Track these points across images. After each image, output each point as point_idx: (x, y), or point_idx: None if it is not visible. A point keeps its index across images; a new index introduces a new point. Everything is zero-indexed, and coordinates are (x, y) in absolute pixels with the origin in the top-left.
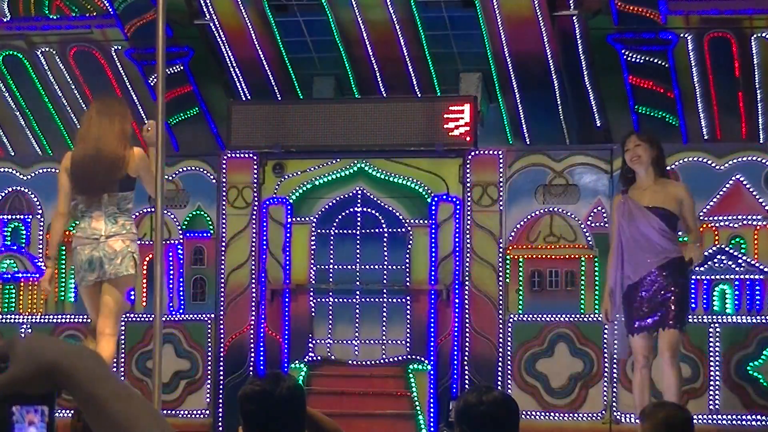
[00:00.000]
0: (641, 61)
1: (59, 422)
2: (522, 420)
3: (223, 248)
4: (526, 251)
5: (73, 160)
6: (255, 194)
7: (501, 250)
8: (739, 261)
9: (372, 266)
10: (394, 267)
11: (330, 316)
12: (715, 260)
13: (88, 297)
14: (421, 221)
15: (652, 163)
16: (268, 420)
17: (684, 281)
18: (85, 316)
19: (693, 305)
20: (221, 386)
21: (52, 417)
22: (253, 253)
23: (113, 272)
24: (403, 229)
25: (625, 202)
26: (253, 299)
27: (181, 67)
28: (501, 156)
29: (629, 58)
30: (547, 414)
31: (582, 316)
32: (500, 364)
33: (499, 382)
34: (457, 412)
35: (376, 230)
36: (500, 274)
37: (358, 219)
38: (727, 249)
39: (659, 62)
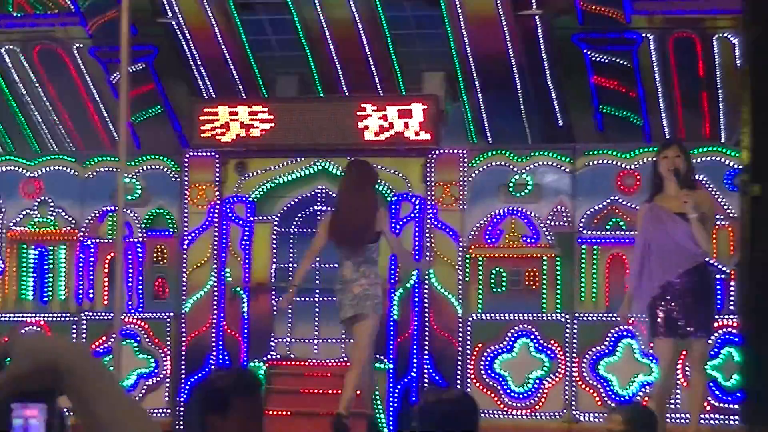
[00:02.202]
0: (605, 60)
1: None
2: (482, 419)
3: (184, 247)
4: (488, 250)
5: None
6: (217, 193)
7: (462, 249)
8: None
9: (332, 265)
10: None
11: (290, 315)
12: None
13: None
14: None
15: (686, 173)
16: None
17: (713, 288)
18: (45, 314)
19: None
20: (181, 385)
21: (52, 414)
22: (215, 252)
23: None
24: None
25: (652, 209)
26: (214, 298)
27: (145, 66)
28: (463, 155)
29: (593, 58)
30: (507, 413)
31: (543, 315)
32: (460, 362)
33: (459, 381)
34: (418, 412)
35: None
36: (461, 273)
37: (319, 217)
38: None
39: (623, 62)
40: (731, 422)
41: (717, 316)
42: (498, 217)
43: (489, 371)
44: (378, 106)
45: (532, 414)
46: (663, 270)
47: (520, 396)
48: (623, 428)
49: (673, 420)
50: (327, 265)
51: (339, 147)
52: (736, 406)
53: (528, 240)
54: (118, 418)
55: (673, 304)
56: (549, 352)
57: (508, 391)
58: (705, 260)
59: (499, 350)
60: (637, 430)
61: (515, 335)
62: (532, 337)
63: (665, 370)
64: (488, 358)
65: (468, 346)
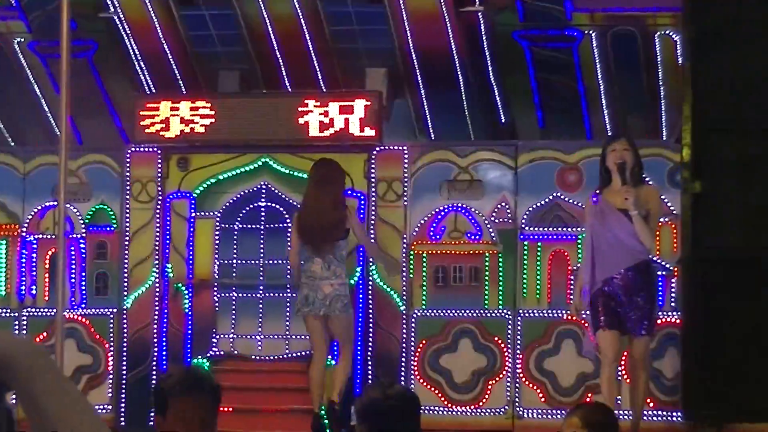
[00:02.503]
0: (547, 57)
1: None
2: (425, 415)
3: (126, 242)
4: (430, 246)
5: None
6: (159, 188)
7: (405, 245)
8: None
9: (276, 261)
10: None
11: (233, 311)
12: None
13: None
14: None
15: (633, 168)
16: None
17: (654, 285)
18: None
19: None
20: (124, 381)
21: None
22: (157, 248)
23: None
24: None
25: (598, 204)
26: (157, 294)
27: (86, 60)
28: (406, 151)
29: (535, 55)
30: (450, 409)
31: (486, 311)
32: (404, 359)
33: (403, 378)
34: (361, 408)
35: (281, 225)
36: (404, 269)
37: (263, 213)
38: None
39: (564, 59)
40: (674, 418)
41: (659, 314)
42: (441, 213)
43: (432, 367)
44: (320, 102)
45: (476, 410)
46: (605, 266)
47: (464, 392)
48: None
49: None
50: (271, 262)
51: (281, 143)
52: (678, 403)
53: (471, 236)
54: (66, 412)
55: (615, 299)
56: (492, 349)
57: (452, 387)
58: (648, 258)
59: (443, 347)
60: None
61: (459, 332)
62: (476, 333)
63: (609, 364)
64: (432, 355)
65: (412, 343)
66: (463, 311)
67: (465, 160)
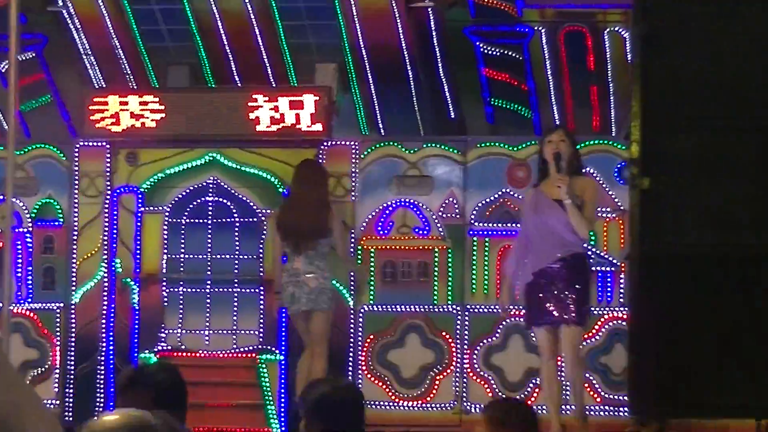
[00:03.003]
0: (497, 53)
1: None
2: (372, 410)
3: (74, 237)
4: (379, 242)
5: None
6: (107, 183)
7: (354, 240)
8: (590, 253)
9: (224, 256)
10: (246, 257)
11: (181, 306)
12: None
13: None
14: (274, 211)
15: (570, 159)
16: None
17: (586, 277)
18: None
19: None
20: (71, 376)
21: None
22: (105, 243)
23: None
24: (256, 219)
25: (535, 195)
26: (104, 289)
27: (34, 54)
28: (355, 147)
29: (485, 51)
30: (398, 404)
31: (434, 307)
32: (351, 354)
33: (350, 373)
34: (312, 404)
35: (229, 220)
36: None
37: (211, 208)
38: None
39: (514, 55)
40: (621, 414)
41: (591, 306)
42: (389, 208)
43: (380, 362)
44: (269, 97)
45: (423, 405)
46: (538, 257)
47: (411, 387)
48: (487, 428)
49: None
50: (218, 256)
51: (230, 138)
52: (625, 398)
53: (419, 232)
54: (16, 405)
55: (545, 291)
56: (440, 344)
57: (399, 382)
58: (582, 249)
59: (391, 342)
60: (504, 428)
61: (406, 327)
62: (423, 328)
63: (547, 361)
64: (380, 350)
65: (360, 338)
66: (411, 306)
67: (414, 155)
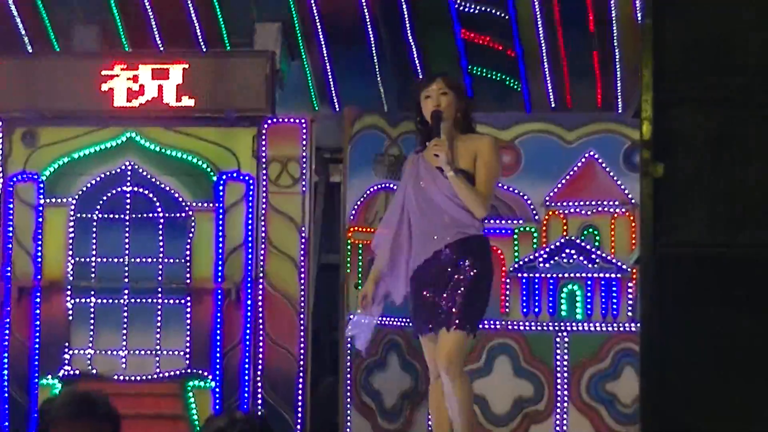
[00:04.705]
0: (476, 11)
1: None
2: None
3: None
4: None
5: None
6: None
7: (303, 240)
8: (592, 256)
9: (144, 259)
10: (172, 260)
11: (92, 321)
12: (563, 254)
13: None
14: (204, 204)
15: (457, 117)
16: None
17: (482, 268)
18: None
19: (536, 309)
20: None
21: None
22: None
23: None
24: (183, 214)
25: (415, 163)
26: None
27: None
28: (304, 125)
29: (461, 9)
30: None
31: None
32: (302, 379)
33: (300, 402)
34: None
35: (150, 215)
36: (302, 269)
37: (128, 201)
38: (577, 241)
39: (498, 13)
40: None
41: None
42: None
43: (366, 389)
44: (199, 65)
45: None
46: (422, 243)
47: (393, 418)
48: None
49: None
50: (137, 260)
51: (150, 114)
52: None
53: None
54: None
55: (432, 288)
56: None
57: (382, 413)
58: (477, 231)
59: (373, 363)
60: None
61: (389, 345)
62: (402, 347)
63: (434, 380)
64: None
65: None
66: (390, 319)
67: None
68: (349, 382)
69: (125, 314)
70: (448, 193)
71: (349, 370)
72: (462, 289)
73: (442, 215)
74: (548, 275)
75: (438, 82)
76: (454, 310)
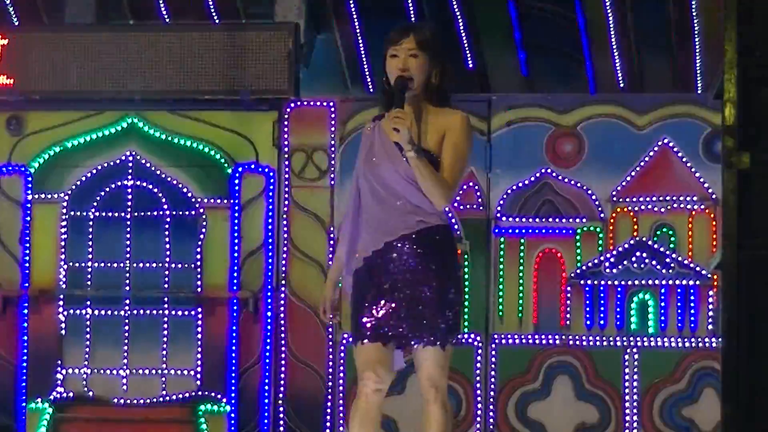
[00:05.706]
0: None
1: None
2: None
3: None
4: None
5: None
6: None
7: (332, 242)
8: (667, 260)
9: (148, 264)
10: (179, 266)
11: (87, 335)
12: (633, 258)
13: None
14: (217, 201)
15: (429, 82)
16: None
17: (453, 267)
18: None
19: (601, 321)
20: None
21: None
22: None
23: None
24: (193, 212)
25: (373, 134)
26: None
27: None
28: (333, 108)
29: None
30: None
31: None
32: (330, 403)
33: (328, 429)
34: None
35: (155, 213)
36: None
37: (129, 197)
38: (650, 243)
39: None
40: None
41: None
42: None
43: None
44: (210, 39)
45: None
46: (372, 232)
47: None
48: None
49: None
50: (140, 265)
51: (155, 96)
52: None
53: None
54: None
55: (385, 290)
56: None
57: None
58: (441, 221)
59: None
60: None
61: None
62: None
63: (369, 394)
64: None
65: (341, 380)
66: None
67: None
68: (342, 403)
69: (126, 328)
70: (406, 175)
71: None
72: (436, 296)
73: (398, 200)
74: (616, 282)
75: (408, 39)
76: (427, 323)
